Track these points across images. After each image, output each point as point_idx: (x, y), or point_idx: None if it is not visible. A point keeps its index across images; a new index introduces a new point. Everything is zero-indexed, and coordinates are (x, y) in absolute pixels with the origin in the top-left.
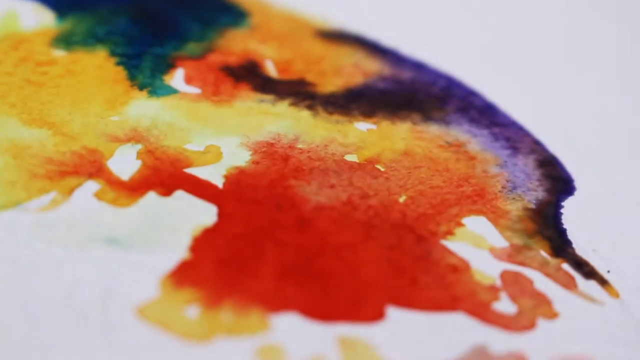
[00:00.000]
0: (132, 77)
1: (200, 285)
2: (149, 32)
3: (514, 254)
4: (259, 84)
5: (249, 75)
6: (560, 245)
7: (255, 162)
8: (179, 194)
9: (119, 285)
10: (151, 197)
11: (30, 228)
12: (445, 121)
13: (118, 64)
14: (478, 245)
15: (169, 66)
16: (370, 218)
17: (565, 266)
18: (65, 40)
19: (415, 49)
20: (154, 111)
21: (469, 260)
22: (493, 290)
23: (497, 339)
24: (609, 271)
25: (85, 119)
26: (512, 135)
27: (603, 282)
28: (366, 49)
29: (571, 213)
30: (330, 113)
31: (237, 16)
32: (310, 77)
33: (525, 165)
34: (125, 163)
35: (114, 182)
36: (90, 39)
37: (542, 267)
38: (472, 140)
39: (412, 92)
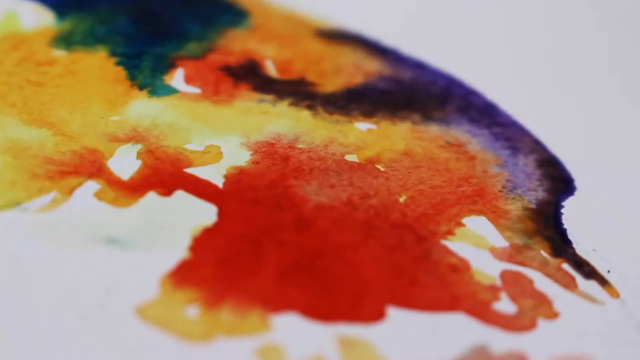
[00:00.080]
0: (132, 77)
1: (200, 285)
2: (149, 32)
3: (514, 254)
4: (259, 83)
5: (249, 75)
6: (561, 245)
7: (256, 162)
8: (179, 193)
9: (119, 285)
10: (151, 197)
11: (31, 228)
12: (445, 121)
13: (118, 63)
14: (478, 245)
15: (169, 66)
16: (371, 218)
17: (566, 266)
18: (65, 40)
19: (415, 49)
20: (154, 111)
21: (469, 260)
22: (493, 290)
23: (498, 339)
24: (609, 271)
25: (86, 118)
26: (513, 135)
27: (603, 282)
28: (366, 49)
29: (571, 213)
30: (331, 113)
31: (237, 16)
32: (310, 77)
33: (526, 165)
34: (125, 163)
35: (114, 182)
36: (91, 39)
37: (542, 267)
38: (472, 140)
39: (412, 92)
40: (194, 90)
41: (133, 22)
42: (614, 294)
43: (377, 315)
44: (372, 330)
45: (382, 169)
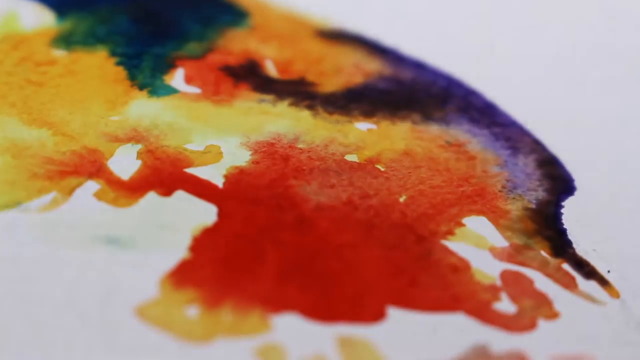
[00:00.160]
0: (132, 77)
1: (200, 285)
2: (149, 32)
3: (514, 254)
4: (259, 83)
5: (249, 75)
6: (561, 245)
7: (256, 162)
8: (179, 193)
9: (119, 285)
10: (151, 197)
11: (31, 228)
12: (445, 121)
13: (118, 63)
14: (478, 245)
15: (169, 66)
16: (371, 218)
17: (566, 266)
18: (65, 40)
19: (415, 49)
20: (154, 111)
21: (469, 260)
22: (493, 290)
23: (498, 339)
24: (609, 271)
25: (86, 118)
26: (513, 135)
27: (603, 282)
28: (366, 49)
29: (571, 213)
30: (331, 113)
31: (237, 16)
32: (310, 77)
33: (526, 165)
34: (125, 163)
35: (114, 182)
36: (91, 39)
37: (542, 267)
38: (472, 140)
39: (412, 91)
40: (194, 90)
41: (133, 22)
42: (614, 294)
43: (377, 315)
44: (373, 330)
45: (382, 169)
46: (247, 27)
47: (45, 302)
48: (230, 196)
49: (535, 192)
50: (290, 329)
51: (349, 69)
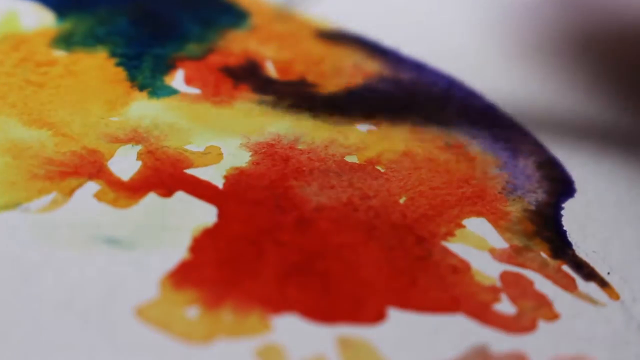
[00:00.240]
0: (132, 78)
1: (200, 285)
2: (149, 32)
3: (514, 255)
4: (259, 85)
5: (249, 76)
6: (560, 247)
7: (256, 163)
8: (180, 194)
9: (119, 286)
10: (151, 197)
11: (31, 229)
12: (445, 122)
13: (118, 64)
14: (478, 246)
15: (169, 67)
16: (371, 219)
17: (565, 268)
18: (65, 41)
19: (415, 50)
20: (154, 112)
21: (469, 261)
22: (493, 291)
23: (498, 340)
24: (609, 273)
25: (86, 119)
26: (513, 137)
27: (603, 283)
28: (366, 50)
29: (571, 215)
30: (331, 114)
31: (237, 17)
32: (310, 78)
33: (526, 167)
34: (125, 164)
35: (114, 183)
36: (91, 40)
37: (542, 269)
38: (473, 141)
39: (413, 93)
40: (194, 91)
41: (133, 23)
42: (614, 295)
43: (377, 316)
44: (373, 331)
45: (382, 170)
46: (247, 28)
47: (46, 302)
48: (231, 197)
49: (535, 194)
50: (291, 329)
51: (349, 70)
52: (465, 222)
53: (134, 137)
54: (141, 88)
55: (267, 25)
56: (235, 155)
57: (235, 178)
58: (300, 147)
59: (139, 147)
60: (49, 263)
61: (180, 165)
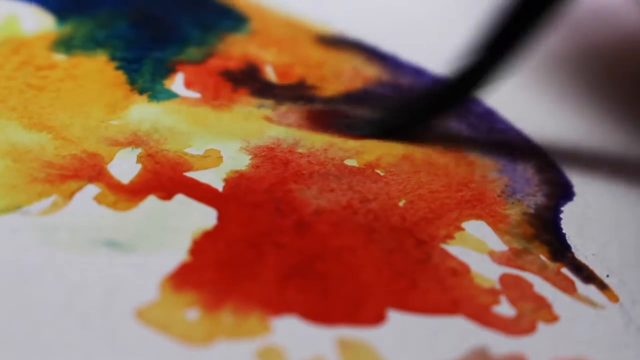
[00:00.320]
0: (132, 82)
1: (200, 288)
2: (149, 36)
3: (513, 258)
4: (259, 88)
5: (248, 80)
6: (559, 250)
7: (255, 166)
8: (179, 197)
9: (119, 288)
10: (151, 200)
11: (31, 232)
12: (444, 126)
13: (118, 68)
14: (478, 249)
15: (169, 71)
16: (370, 222)
17: (565, 270)
18: (65, 44)
19: (414, 55)
20: (154, 115)
21: (468, 263)
22: (493, 294)
23: (497, 342)
24: (608, 275)
25: (86, 123)
26: (512, 140)
27: (602, 286)
28: (365, 54)
29: (570, 218)
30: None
31: (237, 21)
32: (309, 82)
33: (525, 171)
34: (125, 167)
35: (114, 186)
36: (91, 43)
37: (541, 271)
38: (471, 145)
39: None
40: (194, 94)
41: (133, 27)
42: (613, 298)
43: (377, 318)
44: (372, 333)
45: (382, 174)
46: (247, 32)
47: (45, 305)
48: (230, 200)
49: (534, 197)
50: (290, 331)
51: (349, 74)
52: (464, 225)
53: (134, 141)
54: (141, 92)
55: (267, 29)
56: (235, 159)
57: (235, 181)
58: (299, 150)
59: (138, 151)
60: (49, 266)
61: (180, 168)
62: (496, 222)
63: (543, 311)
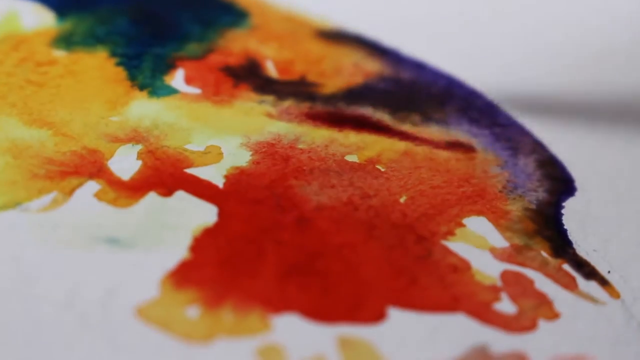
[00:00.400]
0: (132, 78)
1: (200, 285)
2: (149, 32)
3: (514, 254)
4: (259, 84)
5: (249, 75)
6: (561, 246)
7: (256, 163)
8: (180, 194)
9: (120, 286)
10: (152, 197)
11: (31, 228)
12: (445, 121)
13: (118, 64)
14: (479, 245)
15: (169, 66)
16: (371, 218)
17: (566, 266)
18: (65, 41)
19: (415, 49)
20: (155, 111)
21: (469, 260)
22: (494, 291)
23: (498, 339)
24: (609, 271)
25: (86, 119)
26: (513, 136)
27: (604, 282)
28: (366, 49)
29: (572, 214)
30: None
31: (237, 16)
32: (310, 78)
33: (526, 166)
34: (125, 163)
35: (114, 183)
36: (91, 39)
37: (543, 268)
38: (473, 140)
39: (412, 92)
40: (194, 90)
41: (133, 23)
42: (615, 294)
43: (377, 315)
44: (373, 331)
45: (383, 170)
46: (247, 27)
47: (46, 302)
48: (231, 196)
49: (535, 193)
50: (291, 329)
51: (349, 69)
52: (465, 221)
53: (134, 137)
54: (141, 88)
55: (267, 24)
56: (236, 155)
57: (236, 177)
58: (300, 146)
59: (139, 147)
60: (49, 262)
61: (180, 164)
62: (497, 218)
63: (544, 308)
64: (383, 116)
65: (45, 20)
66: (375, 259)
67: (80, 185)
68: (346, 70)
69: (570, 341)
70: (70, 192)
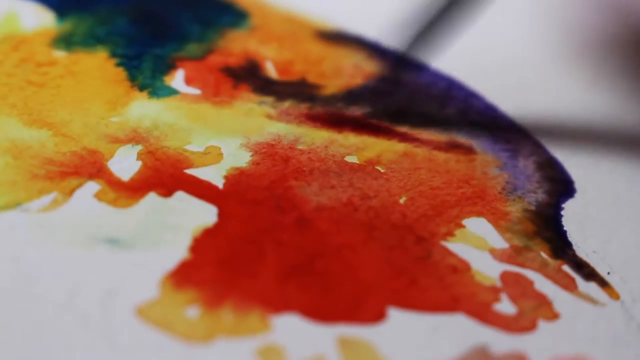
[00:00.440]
0: (132, 78)
1: (200, 285)
2: (149, 33)
3: (514, 255)
4: (259, 85)
5: (249, 76)
6: (560, 247)
7: (256, 163)
8: (180, 194)
9: (120, 286)
10: (152, 197)
11: (31, 229)
12: (445, 123)
13: (118, 64)
14: (478, 246)
15: (169, 67)
16: (371, 219)
17: (566, 268)
18: (65, 41)
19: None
20: (155, 112)
21: (469, 261)
22: (493, 291)
23: (498, 340)
24: (609, 273)
25: (86, 119)
26: (513, 137)
27: (603, 283)
28: (366, 50)
29: (571, 215)
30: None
31: (237, 17)
32: (310, 78)
33: (526, 167)
34: (125, 164)
35: (114, 183)
36: (91, 40)
37: (542, 269)
38: (472, 141)
39: (412, 93)
40: (194, 91)
41: (133, 23)
42: (614, 295)
43: (377, 316)
44: (373, 331)
45: (382, 170)
46: (247, 28)
47: (46, 302)
48: (231, 197)
49: (535, 194)
50: (291, 329)
51: (349, 70)
52: (465, 222)
53: (134, 137)
54: (141, 88)
55: (267, 25)
56: (236, 156)
57: (236, 178)
58: (300, 147)
59: (139, 147)
60: (49, 263)
61: (180, 165)
62: (497, 219)
63: (544, 309)
64: (383, 117)
65: (45, 20)
66: (375, 260)
67: (80, 185)
68: (346, 71)
69: (570, 342)
70: (70, 193)
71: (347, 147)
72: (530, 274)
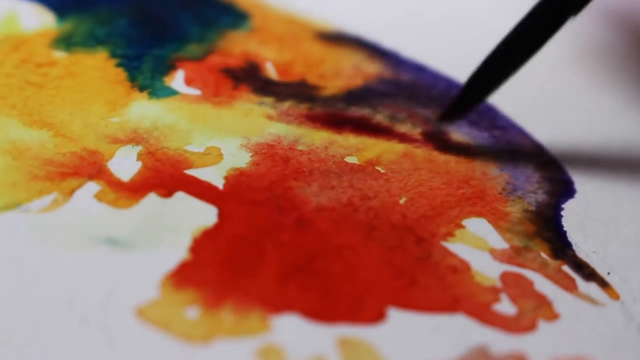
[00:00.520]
0: (132, 79)
1: (200, 286)
2: (149, 33)
3: (514, 256)
4: (259, 86)
5: (249, 77)
6: (560, 247)
7: (256, 164)
8: (180, 195)
9: (120, 286)
10: (152, 198)
11: (31, 229)
12: (444, 123)
13: (118, 65)
14: (478, 246)
15: (169, 68)
16: (371, 219)
17: (566, 268)
18: (65, 42)
19: (414, 52)
20: (155, 113)
21: (469, 261)
22: (493, 292)
23: (498, 340)
24: (609, 273)
25: (86, 120)
26: (512, 138)
27: (603, 284)
28: (366, 51)
29: (571, 215)
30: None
31: (237, 18)
32: (310, 79)
33: (526, 168)
34: (125, 164)
35: (114, 184)
36: (91, 40)
37: (542, 269)
38: (473, 142)
39: (412, 94)
40: (194, 92)
41: (133, 24)
42: (614, 295)
43: (377, 316)
44: (373, 332)
45: (382, 171)
46: (247, 29)
47: (46, 303)
48: (231, 197)
49: (535, 195)
50: (291, 329)
51: (349, 71)
52: (465, 222)
53: (134, 138)
54: (141, 89)
55: (267, 26)
56: (236, 156)
57: (236, 179)
58: (300, 148)
59: (139, 148)
60: (49, 263)
61: (180, 165)
62: (497, 220)
63: (544, 309)
64: (382, 118)
65: (45, 21)
66: (375, 260)
67: (80, 186)
68: (346, 72)
69: (570, 342)
70: (70, 193)
71: (347, 147)
72: (530, 274)
